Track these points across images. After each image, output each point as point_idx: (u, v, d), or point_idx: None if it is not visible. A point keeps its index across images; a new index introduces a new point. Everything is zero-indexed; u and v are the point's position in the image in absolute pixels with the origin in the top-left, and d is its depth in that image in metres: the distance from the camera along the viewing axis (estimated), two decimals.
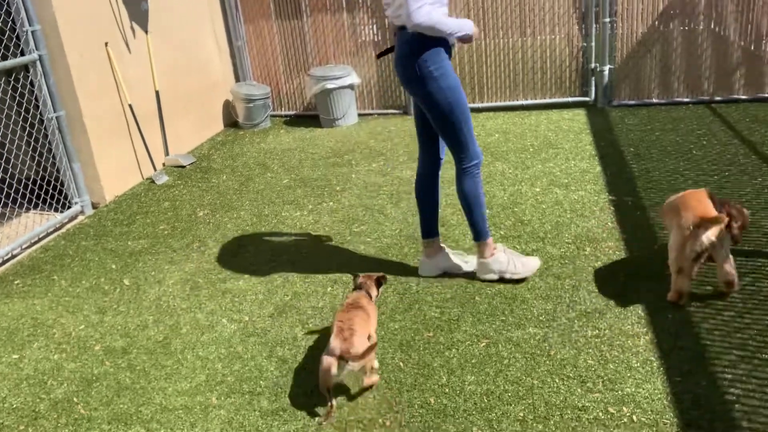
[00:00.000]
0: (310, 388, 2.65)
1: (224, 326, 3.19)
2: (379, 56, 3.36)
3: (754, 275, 3.12)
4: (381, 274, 2.98)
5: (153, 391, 2.76)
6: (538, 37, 6.32)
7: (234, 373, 2.82)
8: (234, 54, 7.02)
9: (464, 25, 3.02)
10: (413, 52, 2.98)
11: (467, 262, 3.42)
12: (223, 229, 4.34)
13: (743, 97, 6.03)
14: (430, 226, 3.41)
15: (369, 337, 2.59)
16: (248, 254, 3.92)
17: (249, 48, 7.06)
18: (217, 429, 2.50)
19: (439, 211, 3.45)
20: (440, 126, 3.11)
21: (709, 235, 2.77)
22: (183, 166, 5.72)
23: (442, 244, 3.46)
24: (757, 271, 3.15)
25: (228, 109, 6.94)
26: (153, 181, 5.38)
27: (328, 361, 2.43)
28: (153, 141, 5.59)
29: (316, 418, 2.48)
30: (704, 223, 2.78)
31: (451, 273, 3.40)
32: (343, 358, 2.43)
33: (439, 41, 2.98)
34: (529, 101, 6.48)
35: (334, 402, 2.48)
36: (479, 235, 3.26)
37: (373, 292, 2.90)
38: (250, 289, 3.51)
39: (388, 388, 2.61)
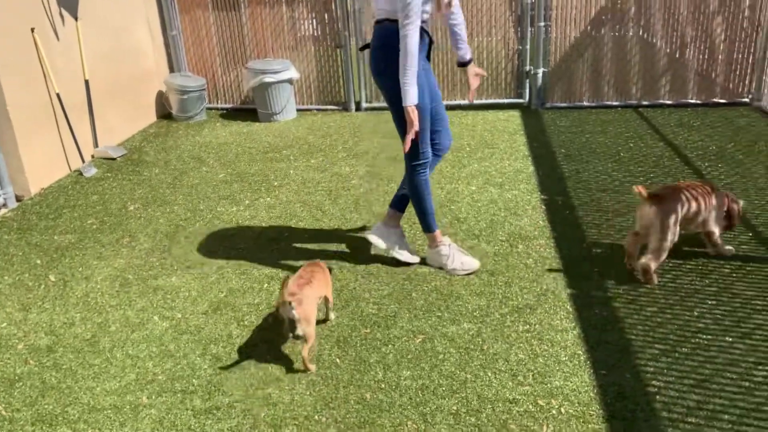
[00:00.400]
0: (246, 385, 2.63)
1: (156, 324, 3.11)
2: (361, 49, 3.48)
3: (674, 273, 3.28)
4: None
5: (80, 390, 2.67)
6: (476, 39, 6.43)
7: (165, 371, 2.76)
8: (168, 44, 6.83)
9: (411, 91, 2.93)
10: (386, 45, 3.04)
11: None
12: (155, 224, 4.22)
13: (668, 102, 6.33)
14: (395, 198, 3.51)
15: (326, 300, 2.92)
16: (181, 250, 3.84)
17: (184, 38, 6.89)
18: (148, 429, 2.44)
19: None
20: (396, 121, 3.17)
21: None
22: (113, 159, 5.53)
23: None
24: (677, 269, 3.31)
25: (161, 100, 6.75)
26: (81, 174, 5.18)
27: (282, 299, 2.66)
28: (82, 132, 5.38)
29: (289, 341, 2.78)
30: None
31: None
32: (289, 303, 2.62)
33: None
34: (466, 102, 6.59)
35: (288, 333, 2.72)
36: (425, 227, 3.42)
37: None
38: (183, 285, 3.44)
39: (324, 385, 2.61)
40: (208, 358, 2.83)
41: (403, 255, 3.48)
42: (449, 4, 3.08)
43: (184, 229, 4.11)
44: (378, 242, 3.46)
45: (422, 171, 3.27)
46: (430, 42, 3.19)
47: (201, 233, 4.04)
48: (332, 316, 3.05)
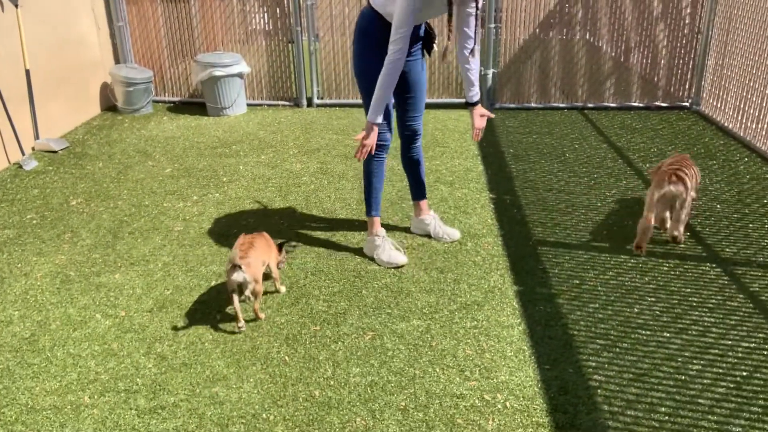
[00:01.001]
0: (192, 384, 2.59)
1: (98, 322, 3.03)
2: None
3: (616, 270, 3.39)
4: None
5: (18, 391, 2.58)
6: None
7: (108, 370, 2.69)
8: (114, 34, 6.65)
9: (374, 113, 3.09)
10: (357, 24, 3.27)
11: (449, 234, 3.74)
12: (98, 219, 4.11)
13: (612, 105, 6.52)
14: (411, 190, 3.79)
15: (265, 264, 3.05)
16: (126, 246, 3.75)
17: (131, 29, 6.71)
18: (90, 429, 2.37)
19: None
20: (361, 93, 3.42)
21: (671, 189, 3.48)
22: (55, 152, 5.35)
23: (429, 211, 3.80)
24: (618, 267, 3.42)
25: (106, 92, 6.57)
26: (21, 167, 4.99)
27: (228, 266, 2.87)
28: (22, 123, 5.18)
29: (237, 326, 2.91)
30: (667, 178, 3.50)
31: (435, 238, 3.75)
32: (239, 266, 2.82)
33: (378, 27, 3.15)
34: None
35: (238, 309, 2.91)
36: (366, 210, 3.57)
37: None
38: (127, 282, 3.36)
39: (272, 383, 2.60)
40: (152, 356, 2.77)
41: (446, 235, 3.74)
42: (445, 55, 3.20)
43: (128, 225, 4.01)
44: (443, 234, 3.72)
45: (379, 153, 3.41)
46: (428, 34, 3.31)
47: (146, 229, 3.96)
48: (282, 289, 3.24)
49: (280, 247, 3.32)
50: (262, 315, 3.01)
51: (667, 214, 3.64)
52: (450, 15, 3.03)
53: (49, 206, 4.31)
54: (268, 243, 3.17)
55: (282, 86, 6.78)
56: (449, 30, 3.06)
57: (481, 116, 3.38)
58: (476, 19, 3.15)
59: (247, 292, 2.90)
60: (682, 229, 3.59)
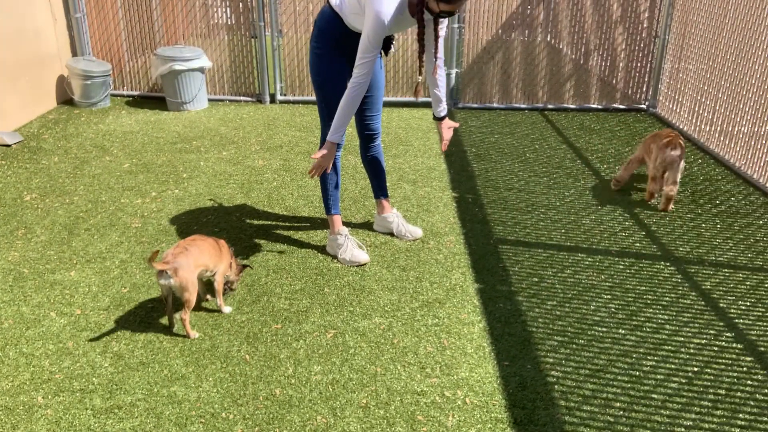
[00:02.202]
0: (150, 383, 2.55)
1: (53, 320, 2.96)
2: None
3: (573, 268, 3.45)
4: (245, 263, 3.27)
5: None
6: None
7: (63, 370, 2.63)
8: (71, 26, 6.48)
9: (336, 132, 3.08)
10: (316, 24, 3.27)
11: (412, 232, 3.77)
12: (53, 215, 4.00)
13: (572, 106, 6.64)
14: (373, 188, 3.81)
15: (209, 272, 2.90)
16: (81, 243, 3.66)
17: (89, 21, 6.55)
18: (43, 429, 2.32)
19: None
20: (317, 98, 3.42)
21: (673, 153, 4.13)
22: (8, 145, 5.19)
23: (391, 209, 3.81)
24: (576, 265, 3.49)
25: (63, 85, 6.40)
26: None
27: (157, 270, 2.72)
28: None
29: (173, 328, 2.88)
30: (671, 144, 4.15)
31: (398, 236, 3.79)
32: (165, 272, 2.70)
33: (337, 28, 3.16)
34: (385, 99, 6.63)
35: (170, 317, 2.87)
36: (325, 209, 3.58)
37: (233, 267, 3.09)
38: (82, 280, 3.29)
39: (232, 382, 2.57)
40: (109, 355, 2.72)
41: (409, 233, 3.77)
42: (417, 92, 3.23)
43: (84, 221, 3.92)
44: (405, 232, 3.75)
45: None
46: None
47: (103, 225, 3.87)
48: (226, 309, 3.01)
49: (241, 265, 3.15)
50: (193, 333, 2.82)
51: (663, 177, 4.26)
52: (422, 48, 3.02)
53: (1, 201, 4.18)
54: (218, 250, 2.96)
55: (244, 82, 6.71)
56: (420, 65, 3.09)
57: (448, 128, 3.46)
58: (436, 38, 3.20)
59: (181, 297, 2.76)
60: (676, 189, 4.16)
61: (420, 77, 3.13)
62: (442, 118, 3.45)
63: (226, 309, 3.02)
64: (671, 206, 4.21)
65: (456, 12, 2.88)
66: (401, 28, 3.13)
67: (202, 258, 2.84)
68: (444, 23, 3.17)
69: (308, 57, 3.28)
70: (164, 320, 2.95)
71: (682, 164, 4.17)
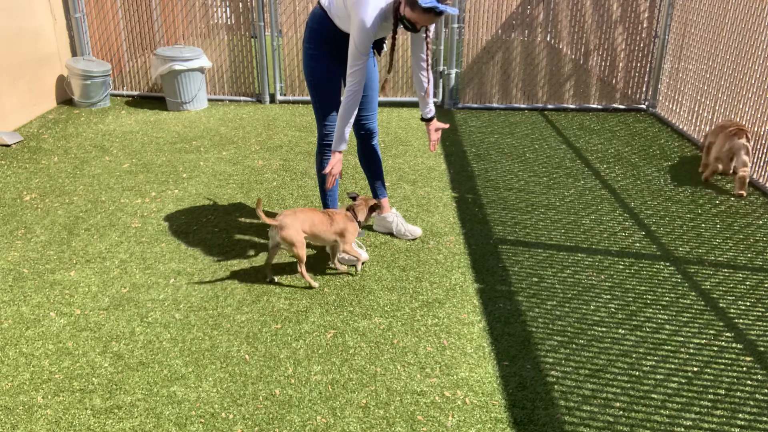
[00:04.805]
0: (150, 383, 2.55)
1: (52, 320, 2.95)
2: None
3: (573, 269, 3.45)
4: (377, 201, 3.47)
5: None
6: (389, 38, 6.48)
7: (63, 370, 2.63)
8: (71, 26, 6.48)
9: (339, 142, 3.17)
10: (308, 24, 3.30)
11: (411, 232, 3.77)
12: (53, 215, 4.00)
13: (572, 106, 6.64)
14: (372, 189, 3.81)
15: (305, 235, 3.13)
16: (81, 243, 3.66)
17: (89, 21, 6.55)
18: (43, 430, 2.32)
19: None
20: (310, 97, 3.46)
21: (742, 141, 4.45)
22: (8, 145, 5.19)
23: (391, 208, 3.81)
24: (575, 265, 3.49)
25: (62, 85, 6.40)
26: None
27: (273, 225, 3.09)
28: None
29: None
30: (738, 132, 4.50)
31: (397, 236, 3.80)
32: (274, 228, 3.07)
33: (328, 28, 3.19)
34: (382, 98, 6.64)
35: (270, 266, 3.24)
36: (323, 207, 3.58)
37: (361, 215, 3.35)
38: (82, 280, 3.29)
39: (231, 382, 2.57)
40: (108, 356, 2.72)
41: (408, 232, 3.77)
42: (383, 88, 3.33)
43: (84, 221, 3.92)
44: (405, 232, 3.75)
45: (328, 151, 3.42)
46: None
47: (102, 225, 3.87)
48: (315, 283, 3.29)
49: (371, 208, 3.41)
50: (314, 283, 3.24)
51: (730, 165, 4.61)
52: (393, 46, 3.10)
53: (1, 201, 4.18)
54: (331, 219, 3.25)
55: (244, 82, 6.70)
56: (390, 63, 3.19)
57: (436, 130, 3.50)
58: (427, 44, 3.23)
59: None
60: (748, 171, 4.45)
61: (388, 74, 3.28)
62: (430, 120, 3.49)
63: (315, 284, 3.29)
64: (745, 190, 4.46)
65: (418, 27, 2.94)
66: (388, 33, 3.17)
67: (306, 225, 3.14)
68: (431, 28, 3.18)
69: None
70: (164, 320, 2.95)
71: (750, 148, 4.47)
